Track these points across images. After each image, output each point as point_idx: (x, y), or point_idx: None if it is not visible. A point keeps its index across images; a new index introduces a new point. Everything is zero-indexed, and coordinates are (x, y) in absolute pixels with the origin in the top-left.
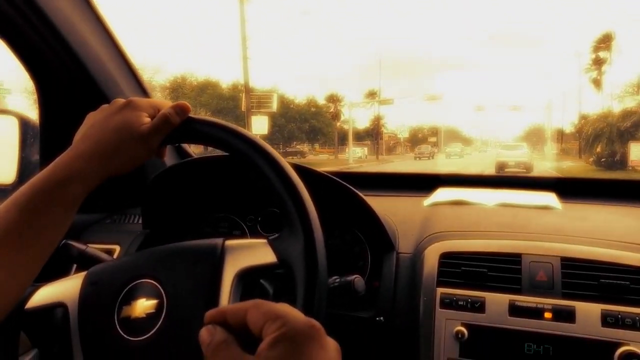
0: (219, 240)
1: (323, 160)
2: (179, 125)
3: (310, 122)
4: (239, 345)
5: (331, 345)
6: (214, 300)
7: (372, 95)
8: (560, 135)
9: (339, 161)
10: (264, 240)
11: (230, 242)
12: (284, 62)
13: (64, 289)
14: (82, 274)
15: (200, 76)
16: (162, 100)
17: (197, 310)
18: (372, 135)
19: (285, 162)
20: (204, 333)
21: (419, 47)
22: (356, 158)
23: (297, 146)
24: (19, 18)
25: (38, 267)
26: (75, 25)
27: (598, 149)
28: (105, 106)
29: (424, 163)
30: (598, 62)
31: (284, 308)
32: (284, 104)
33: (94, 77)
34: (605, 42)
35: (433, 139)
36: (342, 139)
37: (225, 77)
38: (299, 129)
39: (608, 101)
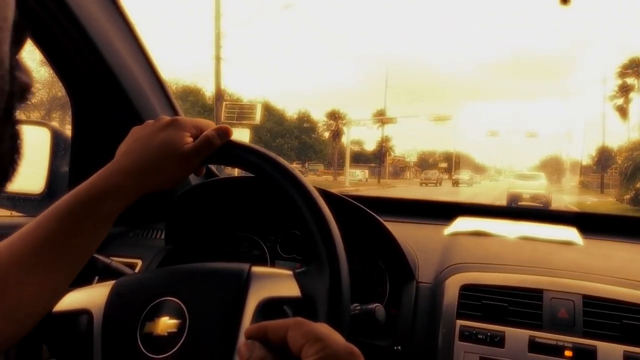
0: (245, 266)
1: (321, 182)
2: (220, 148)
3: (300, 139)
4: None
5: None
6: (236, 326)
7: (379, 114)
8: (580, 167)
9: (337, 183)
10: (290, 272)
11: (256, 269)
12: (283, 76)
13: (90, 296)
14: (110, 283)
15: (186, 82)
16: (205, 121)
17: (217, 334)
18: (378, 157)
19: (319, 197)
20: (243, 348)
21: (433, 71)
22: (355, 181)
23: (295, 165)
24: (58, 32)
25: (72, 276)
26: (112, 42)
27: (639, 184)
28: (150, 122)
29: (428, 190)
30: (625, 89)
31: (325, 330)
32: (273, 117)
33: (127, 94)
34: (632, 67)
35: (444, 165)
36: (351, 159)
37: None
38: (288, 145)
39: (635, 132)
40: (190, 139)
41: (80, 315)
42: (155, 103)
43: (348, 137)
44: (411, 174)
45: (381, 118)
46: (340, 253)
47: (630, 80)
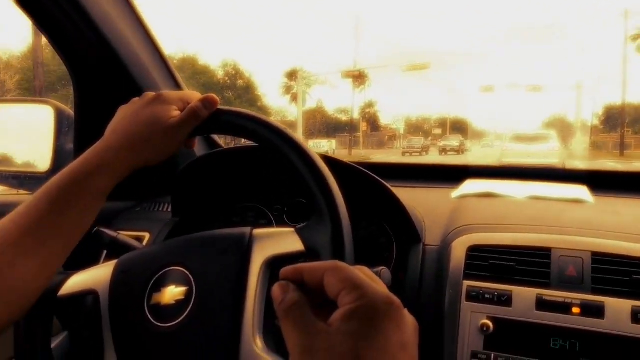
0: (246, 230)
1: None
2: (208, 118)
3: (225, 98)
4: (311, 309)
5: (409, 325)
6: (242, 288)
7: (356, 74)
8: (590, 127)
9: None
10: (292, 229)
11: (257, 231)
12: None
13: (95, 277)
14: (113, 263)
15: None
16: (191, 93)
17: (225, 297)
18: (367, 124)
19: (314, 153)
20: (277, 289)
21: (427, 38)
22: (320, 153)
23: None
24: (58, 11)
25: (66, 254)
26: (112, 18)
27: None
28: (135, 99)
29: (410, 161)
30: None
31: (363, 277)
32: (186, 72)
33: (128, 69)
34: None
35: (438, 131)
36: (332, 129)
37: None
38: None
39: None
40: (176, 112)
41: (86, 296)
42: (157, 77)
43: (301, 97)
44: (401, 143)
45: (345, 71)
46: (339, 201)
47: None
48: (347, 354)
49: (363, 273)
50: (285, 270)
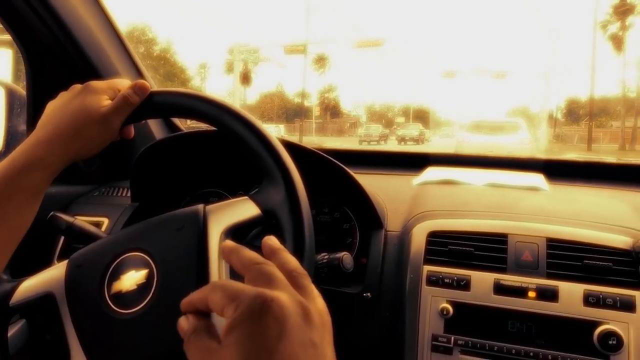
0: (199, 206)
1: None
2: (142, 103)
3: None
4: (210, 332)
5: (287, 311)
6: (204, 261)
7: (318, 58)
8: (554, 119)
9: None
10: (245, 197)
11: (211, 206)
12: None
13: (48, 278)
14: (64, 263)
15: None
16: (121, 80)
17: (187, 273)
18: (327, 112)
19: (255, 119)
20: (182, 322)
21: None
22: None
23: None
24: None
25: (8, 252)
26: None
27: None
28: (63, 93)
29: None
30: (622, 11)
31: (238, 286)
32: None
33: (83, 49)
34: None
35: (401, 120)
36: (291, 114)
37: None
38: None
39: (632, 68)
40: (107, 101)
41: (42, 299)
42: (114, 59)
43: (236, 75)
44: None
45: (289, 46)
46: (286, 159)
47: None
48: None
49: (237, 282)
50: (183, 302)
